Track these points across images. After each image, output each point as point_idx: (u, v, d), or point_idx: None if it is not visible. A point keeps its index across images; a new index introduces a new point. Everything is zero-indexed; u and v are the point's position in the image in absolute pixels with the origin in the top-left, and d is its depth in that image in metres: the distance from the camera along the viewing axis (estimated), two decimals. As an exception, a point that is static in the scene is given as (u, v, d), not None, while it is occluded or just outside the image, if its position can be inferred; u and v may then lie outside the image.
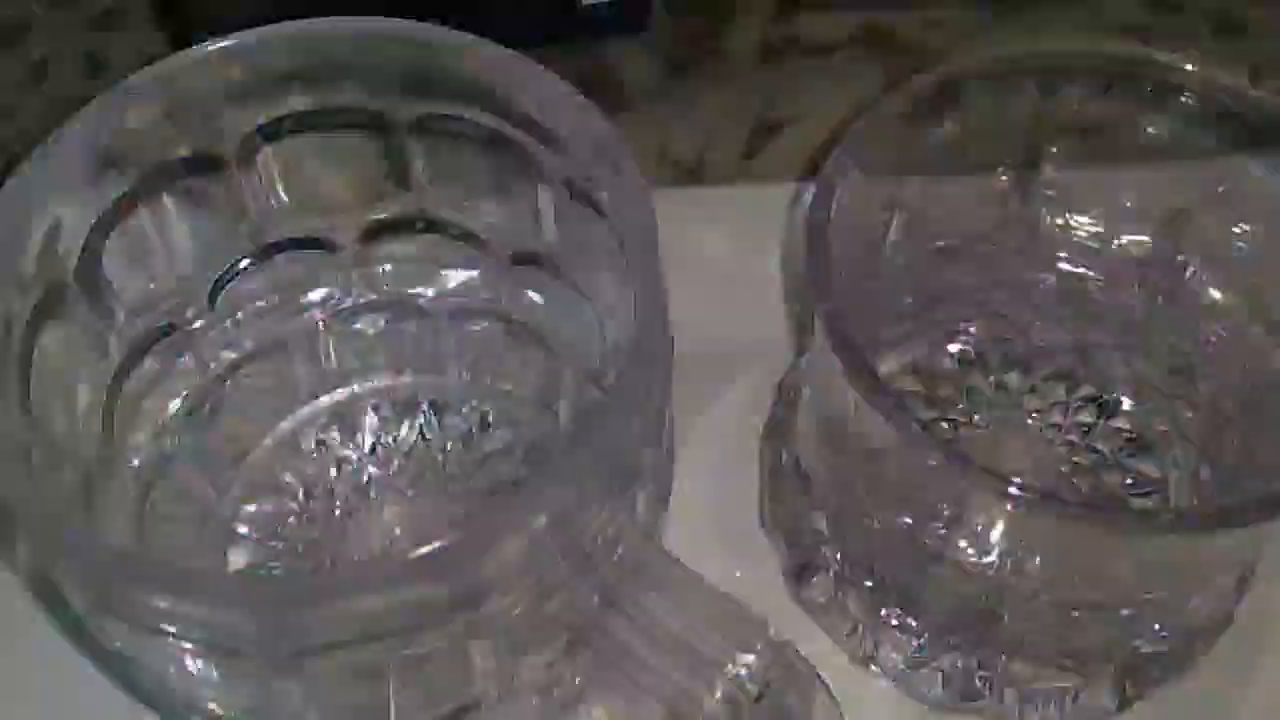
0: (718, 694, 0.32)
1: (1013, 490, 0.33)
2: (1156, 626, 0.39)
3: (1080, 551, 0.35)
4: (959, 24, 0.59)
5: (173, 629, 0.30)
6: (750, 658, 0.32)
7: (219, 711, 0.35)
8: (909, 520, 0.38)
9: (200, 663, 0.32)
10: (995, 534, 0.36)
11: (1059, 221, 0.44)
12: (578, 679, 0.37)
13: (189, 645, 0.31)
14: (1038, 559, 0.36)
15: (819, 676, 0.33)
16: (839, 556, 0.42)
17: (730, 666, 0.32)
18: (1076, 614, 0.38)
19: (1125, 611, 0.38)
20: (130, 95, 0.37)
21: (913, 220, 0.43)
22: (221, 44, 0.37)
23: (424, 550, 0.29)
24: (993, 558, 0.37)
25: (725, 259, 0.50)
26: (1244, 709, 0.42)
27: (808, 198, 0.37)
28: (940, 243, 0.44)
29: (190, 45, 0.37)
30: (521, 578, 0.32)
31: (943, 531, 0.38)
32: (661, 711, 0.34)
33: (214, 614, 0.30)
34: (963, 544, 0.38)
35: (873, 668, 0.42)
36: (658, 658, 0.33)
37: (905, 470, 0.36)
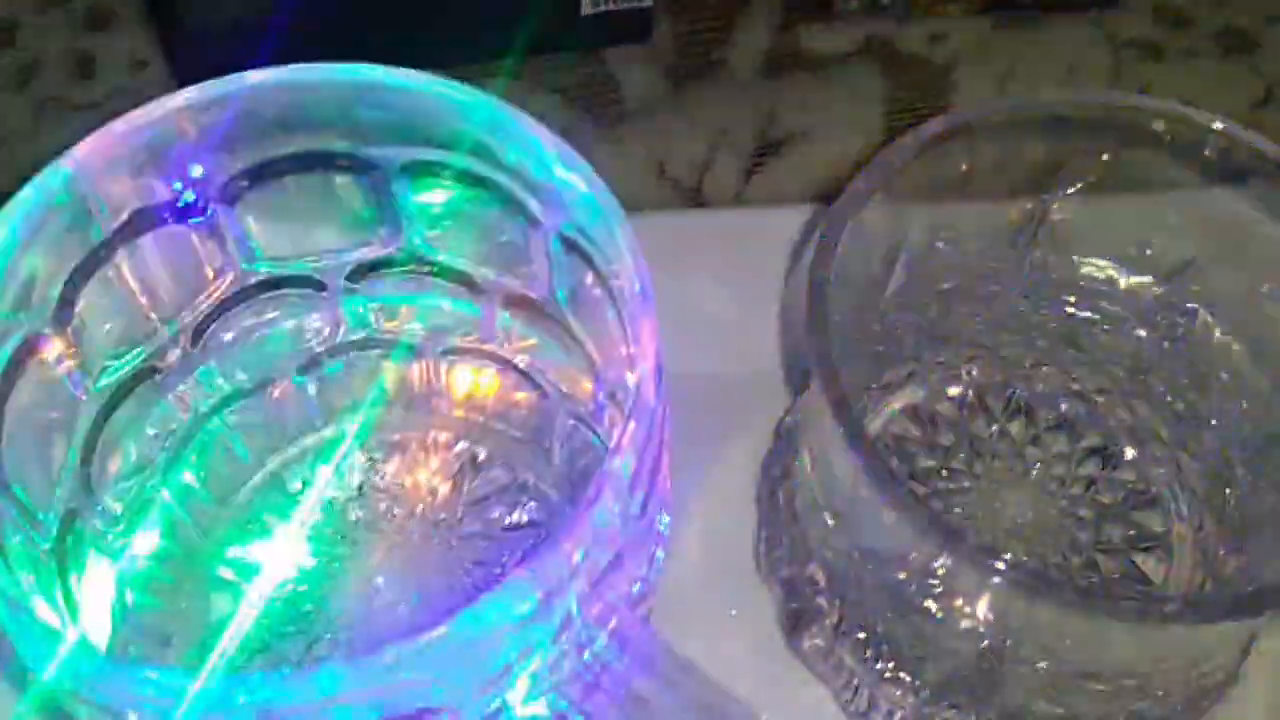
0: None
1: (1000, 569, 0.32)
2: (1160, 693, 0.38)
3: (1076, 628, 0.35)
4: (964, 37, 0.58)
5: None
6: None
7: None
8: (902, 577, 0.37)
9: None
10: (985, 606, 0.35)
11: (1065, 264, 0.43)
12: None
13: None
14: (1031, 631, 0.35)
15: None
16: (835, 607, 0.41)
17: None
18: (1074, 683, 0.37)
19: (1127, 681, 0.37)
20: (114, 139, 0.35)
21: (917, 261, 0.42)
22: (206, 91, 0.36)
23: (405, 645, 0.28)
24: (985, 625, 0.36)
25: (724, 289, 0.49)
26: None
27: (811, 229, 0.36)
28: (945, 284, 0.43)
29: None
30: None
31: (939, 590, 0.37)
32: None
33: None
34: (959, 603, 0.37)
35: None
36: None
37: (898, 535, 0.36)
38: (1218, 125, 0.38)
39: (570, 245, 0.37)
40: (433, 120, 0.36)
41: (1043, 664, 0.37)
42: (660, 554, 0.36)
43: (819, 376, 0.34)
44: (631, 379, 0.32)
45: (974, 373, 0.44)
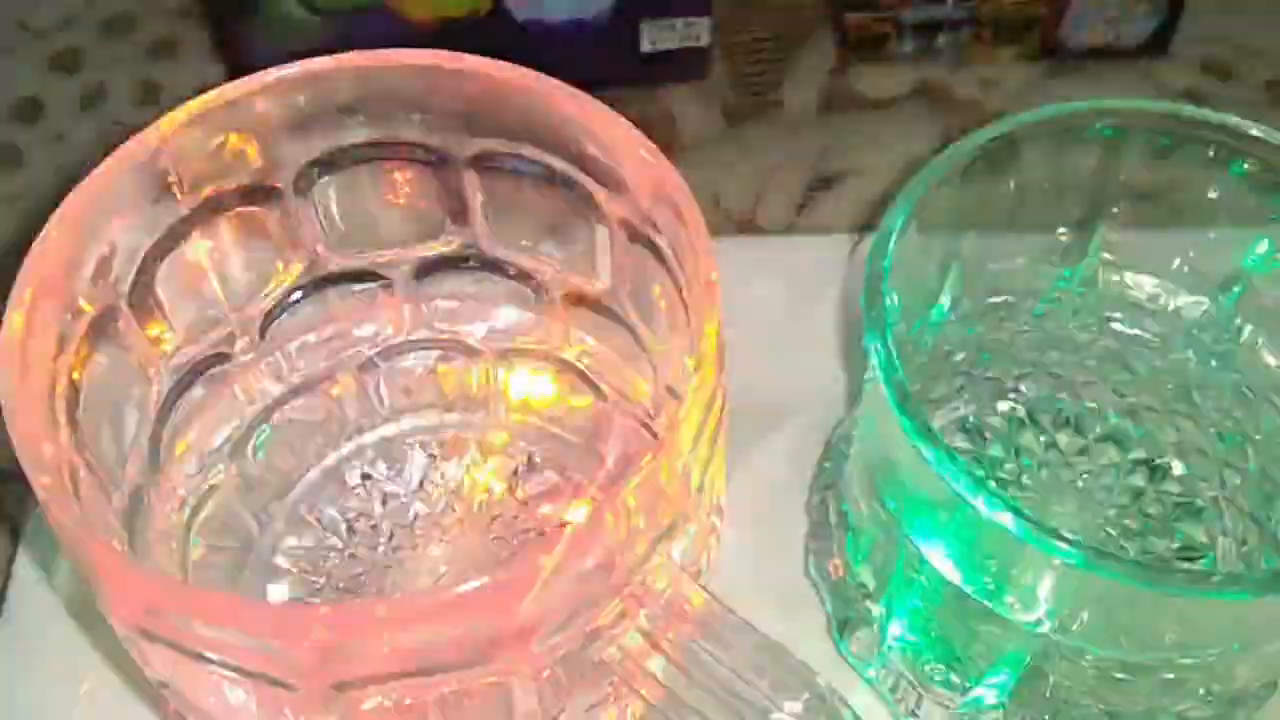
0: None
1: (1064, 546, 0.32)
2: (1201, 691, 0.38)
3: (1127, 611, 0.35)
4: (1015, 83, 0.59)
5: (214, 657, 0.30)
6: (798, 706, 0.32)
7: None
8: (957, 575, 0.38)
9: (240, 693, 0.32)
10: (1043, 590, 0.36)
11: (1115, 281, 0.44)
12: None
13: (230, 674, 0.31)
14: (1085, 616, 0.36)
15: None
16: (884, 611, 0.41)
17: (777, 715, 0.32)
18: (1121, 677, 0.38)
19: (1169, 675, 0.37)
20: (190, 120, 0.36)
21: (969, 275, 0.42)
22: (283, 72, 0.37)
23: (471, 585, 0.29)
24: (1039, 614, 0.36)
25: (779, 309, 0.50)
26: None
27: (863, 249, 0.37)
28: (995, 299, 0.44)
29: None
30: (567, 618, 0.31)
31: (991, 587, 0.37)
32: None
33: (258, 643, 0.29)
34: (1010, 600, 0.37)
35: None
36: (703, 704, 0.32)
37: (955, 523, 0.36)
38: (1260, 133, 0.39)
39: (635, 235, 0.38)
40: (503, 108, 0.37)
41: (1090, 657, 0.37)
42: (717, 523, 0.36)
43: (876, 354, 0.35)
44: (691, 362, 0.33)
45: (1023, 388, 0.45)
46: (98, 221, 0.36)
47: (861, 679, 0.43)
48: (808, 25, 0.62)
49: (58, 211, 0.35)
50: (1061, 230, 0.43)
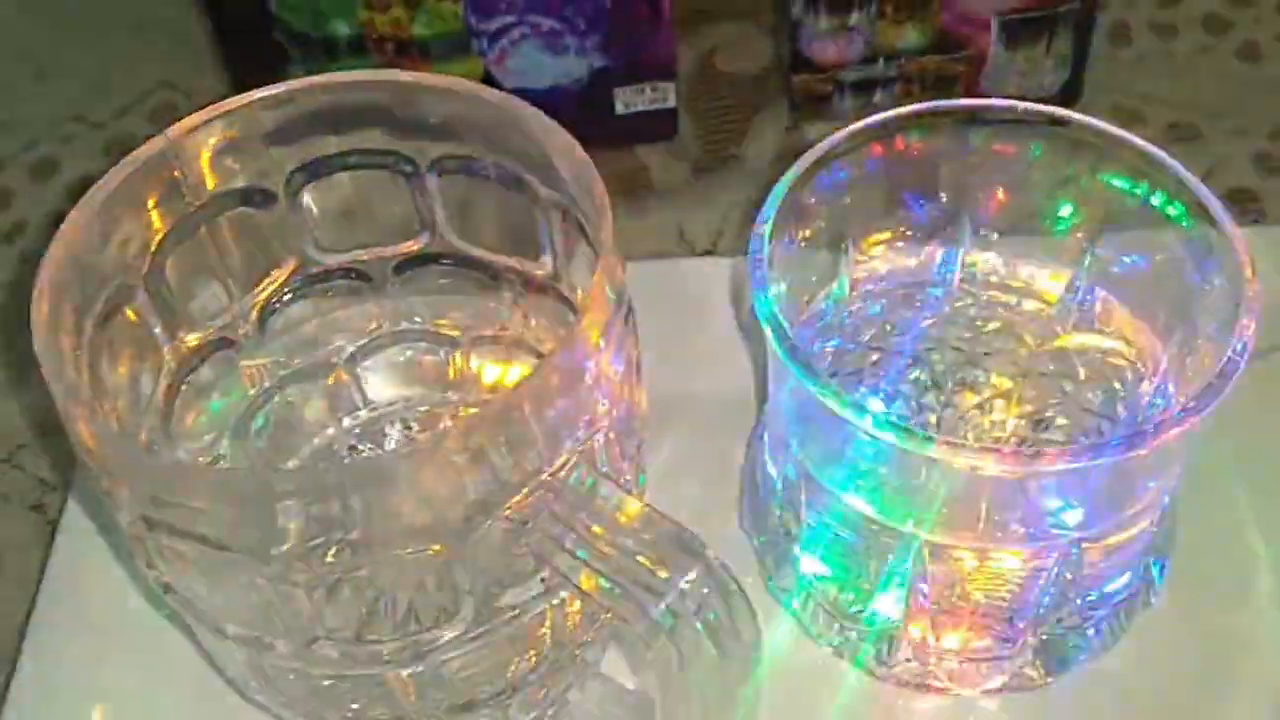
0: (661, 609, 0.37)
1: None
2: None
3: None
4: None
5: (209, 534, 0.36)
6: (692, 575, 0.37)
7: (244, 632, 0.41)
8: (850, 497, 0.44)
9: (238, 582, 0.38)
10: (910, 488, 0.42)
11: (991, 265, 0.50)
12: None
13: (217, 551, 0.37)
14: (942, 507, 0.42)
15: (744, 594, 0.38)
16: (799, 551, 0.47)
17: (673, 584, 0.37)
18: (1010, 585, 0.44)
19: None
20: (195, 126, 0.43)
21: (858, 259, 0.49)
22: (268, 90, 0.44)
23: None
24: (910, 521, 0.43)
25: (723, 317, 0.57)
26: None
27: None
28: (890, 283, 0.50)
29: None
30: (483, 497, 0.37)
31: (870, 492, 0.43)
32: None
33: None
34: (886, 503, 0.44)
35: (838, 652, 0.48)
36: (608, 577, 0.38)
37: (832, 437, 0.42)
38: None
39: (566, 216, 0.44)
40: (457, 115, 0.44)
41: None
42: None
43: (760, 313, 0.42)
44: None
45: (933, 358, 0.51)
46: (116, 208, 0.42)
47: (786, 610, 0.49)
48: (765, 90, 0.69)
49: (82, 199, 0.41)
50: (936, 216, 0.49)
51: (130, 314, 0.44)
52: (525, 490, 0.38)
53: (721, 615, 0.38)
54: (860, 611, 0.47)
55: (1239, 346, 0.40)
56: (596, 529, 0.38)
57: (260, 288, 0.48)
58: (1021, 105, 0.47)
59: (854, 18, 0.64)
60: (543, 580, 0.41)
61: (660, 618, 0.37)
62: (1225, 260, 0.42)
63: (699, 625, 0.37)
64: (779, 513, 0.48)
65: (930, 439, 0.39)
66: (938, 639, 0.46)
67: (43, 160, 0.72)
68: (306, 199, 0.47)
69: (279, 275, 0.48)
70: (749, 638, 0.39)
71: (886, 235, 0.50)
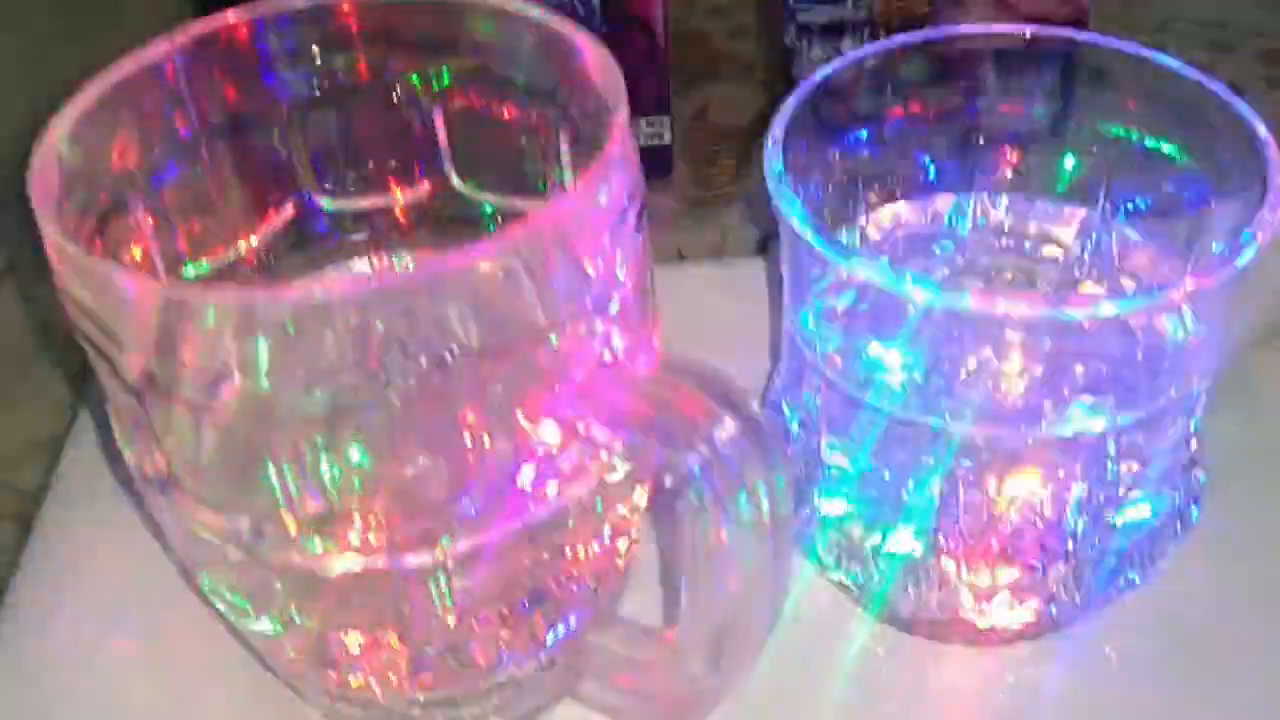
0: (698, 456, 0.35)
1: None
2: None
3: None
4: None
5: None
6: (731, 423, 0.35)
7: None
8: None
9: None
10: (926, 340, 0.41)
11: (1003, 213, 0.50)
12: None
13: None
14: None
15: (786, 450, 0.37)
16: (819, 495, 0.46)
17: (711, 432, 0.35)
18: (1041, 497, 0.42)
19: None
20: (197, 33, 0.42)
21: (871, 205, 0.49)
22: (281, 4, 0.43)
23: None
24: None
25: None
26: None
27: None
28: (900, 230, 0.50)
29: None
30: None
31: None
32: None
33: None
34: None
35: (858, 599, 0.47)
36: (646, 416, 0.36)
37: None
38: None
39: (577, 137, 0.43)
40: (462, 28, 0.43)
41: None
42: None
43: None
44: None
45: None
46: (116, 127, 0.41)
47: (810, 559, 0.47)
48: (758, 138, 0.69)
49: (76, 97, 0.39)
50: (947, 161, 0.49)
51: (129, 228, 0.42)
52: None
53: (762, 478, 0.36)
54: (882, 549, 0.45)
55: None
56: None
57: (258, 231, 0.47)
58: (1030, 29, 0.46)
59: (846, 43, 0.65)
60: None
61: (694, 466, 0.35)
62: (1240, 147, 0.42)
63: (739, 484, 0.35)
64: (798, 464, 0.47)
65: (965, 292, 0.38)
66: (970, 570, 0.44)
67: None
68: (309, 139, 0.46)
69: (276, 219, 0.47)
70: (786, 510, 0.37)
71: (896, 189, 0.49)
